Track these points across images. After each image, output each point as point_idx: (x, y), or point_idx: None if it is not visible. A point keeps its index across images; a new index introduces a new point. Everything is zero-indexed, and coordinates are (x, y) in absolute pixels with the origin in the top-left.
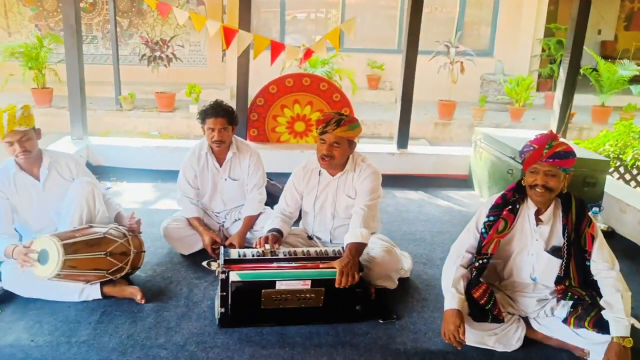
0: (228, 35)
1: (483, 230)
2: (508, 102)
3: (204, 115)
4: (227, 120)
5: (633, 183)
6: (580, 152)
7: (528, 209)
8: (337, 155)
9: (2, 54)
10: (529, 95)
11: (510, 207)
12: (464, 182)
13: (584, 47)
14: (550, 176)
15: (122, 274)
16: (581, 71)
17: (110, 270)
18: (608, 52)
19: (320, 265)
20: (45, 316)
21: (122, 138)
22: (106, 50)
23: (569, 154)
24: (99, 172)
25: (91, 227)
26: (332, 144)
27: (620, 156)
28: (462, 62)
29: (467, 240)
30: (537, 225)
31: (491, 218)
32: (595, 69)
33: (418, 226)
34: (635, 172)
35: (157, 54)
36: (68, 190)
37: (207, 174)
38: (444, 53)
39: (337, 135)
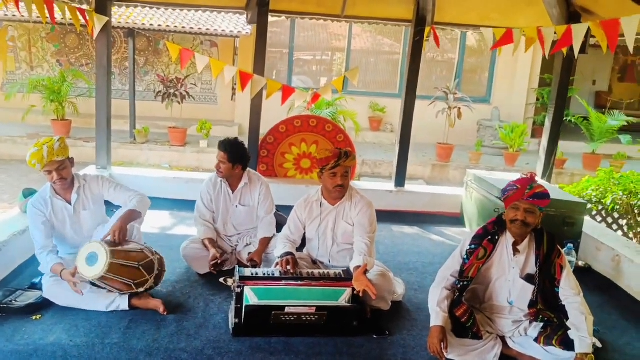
0: (244, 79)
1: (465, 256)
2: (503, 147)
3: (218, 147)
4: (228, 157)
5: (615, 226)
6: (563, 195)
7: (506, 240)
8: (346, 184)
9: (26, 87)
10: (523, 141)
11: (490, 237)
12: (456, 219)
13: (578, 97)
14: (529, 213)
15: (147, 286)
16: (573, 120)
17: (137, 281)
18: (602, 102)
19: (325, 285)
20: (81, 321)
21: (141, 169)
22: (122, 85)
23: (545, 195)
24: None
25: (128, 241)
26: (343, 175)
27: (602, 200)
28: (459, 108)
29: (452, 266)
30: (514, 255)
31: (472, 246)
32: (586, 118)
33: (411, 257)
34: (616, 215)
35: (172, 91)
36: (113, 217)
37: (220, 199)
38: (442, 99)
39: (346, 165)
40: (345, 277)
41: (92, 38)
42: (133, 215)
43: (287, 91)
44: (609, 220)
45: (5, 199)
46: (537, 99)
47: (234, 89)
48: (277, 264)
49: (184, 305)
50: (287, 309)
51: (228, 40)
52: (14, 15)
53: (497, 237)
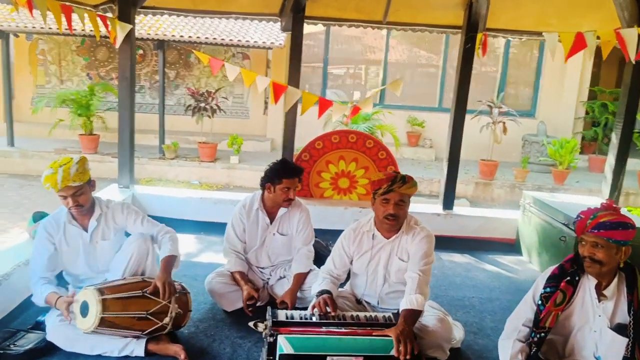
0: (277, 90)
1: (539, 302)
2: (551, 164)
3: (282, 174)
4: (299, 179)
5: None
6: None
7: (589, 281)
8: (401, 215)
9: (54, 101)
10: (573, 158)
11: (568, 278)
12: (510, 246)
13: None
14: (597, 248)
15: (164, 332)
16: None
17: (148, 331)
18: None
19: (374, 333)
20: None
21: (166, 188)
22: (152, 99)
23: (617, 224)
24: None
25: (144, 280)
26: (397, 203)
27: None
28: (504, 123)
29: (524, 313)
30: (600, 300)
31: (548, 290)
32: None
33: (466, 292)
34: None
35: (203, 105)
36: (124, 243)
37: (256, 229)
38: (486, 112)
39: (403, 192)
40: (397, 323)
41: (115, 48)
42: (173, 261)
43: (323, 104)
44: None
45: (28, 217)
46: (587, 113)
47: (266, 102)
48: (314, 306)
49: (207, 351)
50: (328, 359)
51: (260, 53)
52: (42, 28)
53: (577, 278)
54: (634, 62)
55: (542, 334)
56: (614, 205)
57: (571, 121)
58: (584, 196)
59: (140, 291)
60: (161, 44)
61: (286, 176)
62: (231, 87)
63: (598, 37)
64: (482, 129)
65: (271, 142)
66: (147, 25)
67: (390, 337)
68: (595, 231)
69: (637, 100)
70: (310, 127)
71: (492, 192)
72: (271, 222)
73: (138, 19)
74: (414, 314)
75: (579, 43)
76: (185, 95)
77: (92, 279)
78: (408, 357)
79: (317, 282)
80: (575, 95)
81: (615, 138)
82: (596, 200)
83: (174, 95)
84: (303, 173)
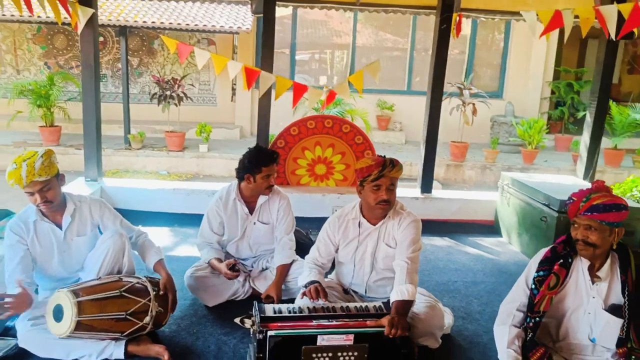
0: (250, 76)
1: (533, 286)
2: (520, 144)
3: (260, 163)
4: (277, 164)
5: None
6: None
7: (581, 263)
8: (392, 199)
9: (11, 92)
10: (542, 137)
11: (561, 261)
12: (490, 227)
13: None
14: (590, 230)
15: (144, 332)
16: None
17: (128, 332)
18: (613, 95)
19: (368, 323)
20: None
21: (136, 180)
22: (115, 88)
23: (610, 207)
24: None
25: (121, 279)
26: (388, 188)
27: None
28: (474, 104)
29: (518, 297)
30: (594, 282)
31: (541, 273)
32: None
33: (450, 276)
34: None
35: (168, 92)
36: (97, 241)
37: (235, 220)
38: (456, 95)
39: (393, 177)
40: (388, 313)
41: (77, 34)
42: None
43: (298, 89)
44: None
45: None
46: (553, 93)
47: (233, 89)
48: (303, 294)
49: (191, 350)
50: (319, 341)
51: (226, 38)
52: None
53: (570, 260)
54: (614, 39)
55: (537, 319)
56: (606, 185)
57: (537, 101)
58: (562, 175)
59: (117, 291)
60: (123, 30)
61: (265, 164)
62: (197, 74)
63: (576, 16)
64: (452, 111)
65: (240, 130)
66: (107, 10)
67: (384, 327)
68: (589, 214)
69: (611, 78)
70: (280, 115)
71: (463, 173)
72: (251, 212)
73: (98, 3)
74: (406, 305)
75: (556, 21)
76: (150, 83)
77: (65, 279)
78: (397, 335)
79: (304, 273)
80: (541, 76)
81: (589, 116)
82: (573, 180)
83: (137, 83)
84: (279, 157)
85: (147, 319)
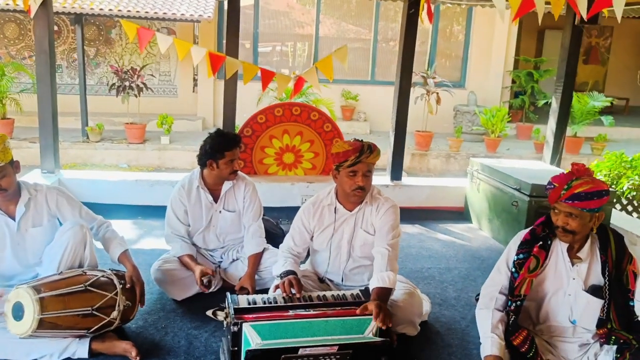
0: (214, 62)
1: (513, 269)
2: (482, 133)
3: (223, 147)
4: (240, 148)
5: (635, 214)
6: None
7: (560, 245)
8: (368, 186)
9: None
10: (504, 126)
11: (540, 243)
12: (460, 214)
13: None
14: (571, 217)
15: (112, 328)
16: (550, 102)
17: (94, 328)
18: None
19: (357, 312)
20: None
21: (96, 171)
22: (71, 79)
23: (592, 194)
24: None
25: (85, 273)
26: (365, 174)
27: (612, 187)
28: (438, 93)
29: (499, 280)
30: (573, 264)
31: (521, 256)
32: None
33: (423, 263)
34: (636, 203)
35: (127, 83)
36: (56, 233)
37: (199, 209)
38: (420, 84)
39: (370, 162)
40: (366, 300)
41: (30, 21)
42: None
43: (266, 76)
44: (629, 208)
45: None
46: (513, 82)
47: (195, 79)
48: (277, 286)
49: (160, 346)
50: (301, 351)
51: (187, 27)
52: None
53: (549, 242)
54: (586, 20)
55: (518, 302)
56: (586, 168)
57: (499, 90)
58: (530, 161)
59: (82, 285)
60: (78, 18)
61: (227, 148)
62: (157, 65)
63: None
64: (417, 100)
65: (202, 121)
66: None
67: (364, 316)
68: (570, 202)
69: (576, 63)
70: (244, 106)
71: (428, 162)
72: (215, 200)
73: None
74: (386, 292)
75: (526, 4)
76: (108, 74)
77: (20, 275)
78: (388, 325)
79: (279, 263)
80: (502, 65)
81: (555, 102)
82: (541, 165)
83: (95, 74)
84: (242, 140)
85: (115, 313)
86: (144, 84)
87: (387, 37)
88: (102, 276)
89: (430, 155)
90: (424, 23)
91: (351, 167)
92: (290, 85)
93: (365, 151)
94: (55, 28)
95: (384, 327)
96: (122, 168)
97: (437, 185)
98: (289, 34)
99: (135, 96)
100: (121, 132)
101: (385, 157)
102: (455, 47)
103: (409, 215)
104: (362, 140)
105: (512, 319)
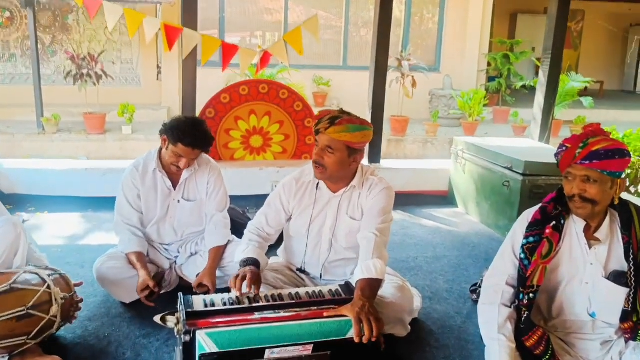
0: (171, 35)
1: (522, 256)
2: (459, 117)
3: (180, 136)
4: (201, 152)
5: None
6: None
7: (575, 224)
8: (328, 164)
9: None
10: (482, 109)
11: (554, 223)
12: (443, 198)
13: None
14: (589, 183)
15: (53, 330)
16: (528, 84)
17: (35, 332)
18: None
19: (324, 314)
20: None
21: (42, 160)
22: (26, 69)
23: (613, 152)
24: (14, 201)
25: (2, 273)
26: (324, 149)
27: None
28: (413, 77)
29: (505, 269)
30: (590, 246)
31: (531, 239)
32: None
33: (409, 252)
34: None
35: (85, 71)
36: None
37: (154, 195)
38: (394, 67)
39: (331, 137)
40: (347, 298)
41: None
42: None
43: (228, 50)
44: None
45: None
46: (489, 64)
47: (159, 67)
48: (231, 285)
49: (101, 358)
50: (268, 354)
51: (149, 11)
52: None
53: (562, 221)
54: None
55: (532, 294)
56: (602, 128)
57: (475, 74)
58: (518, 139)
59: (6, 285)
60: (29, 1)
61: (184, 142)
62: (118, 52)
63: None
64: (392, 84)
65: (168, 110)
66: None
67: (347, 317)
68: (587, 162)
69: (564, 33)
70: (210, 92)
71: (404, 148)
72: (174, 187)
73: None
74: (373, 284)
75: None
76: (65, 62)
77: None
78: (373, 339)
79: (241, 246)
80: (477, 48)
81: (542, 75)
82: (530, 142)
83: (51, 63)
84: (210, 145)
85: (54, 309)
86: (103, 71)
87: (359, 25)
88: (25, 272)
89: (406, 140)
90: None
91: (316, 136)
92: (256, 60)
93: (323, 120)
94: (8, 14)
95: (372, 339)
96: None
97: (418, 168)
98: (258, 21)
99: (94, 84)
100: (80, 123)
101: None
102: (429, 30)
103: None
104: (340, 109)
105: (525, 315)
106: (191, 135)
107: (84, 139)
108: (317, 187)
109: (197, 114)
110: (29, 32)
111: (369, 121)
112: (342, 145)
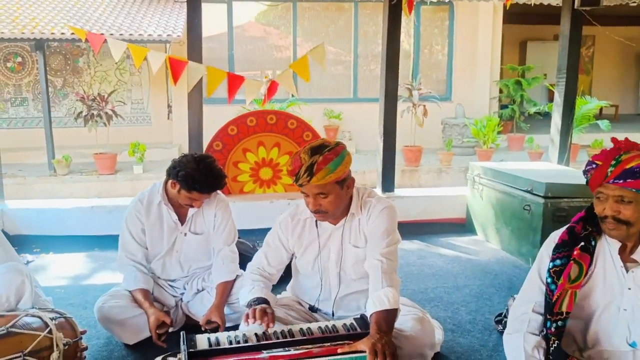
0: (176, 68)
1: (549, 280)
2: (474, 145)
3: (193, 187)
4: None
5: None
6: None
7: (608, 245)
8: (328, 207)
9: None
10: (496, 136)
11: (582, 244)
12: (461, 226)
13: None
14: (624, 203)
15: None
16: (542, 110)
17: None
18: (554, 95)
19: (339, 351)
20: None
21: (47, 200)
22: (38, 112)
23: None
24: (18, 242)
25: (2, 316)
26: (316, 197)
27: None
28: (424, 105)
29: (532, 296)
30: (628, 269)
31: (558, 262)
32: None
33: (427, 282)
34: None
35: (95, 111)
36: None
37: (159, 229)
38: (405, 97)
39: (318, 184)
40: (363, 332)
41: None
42: None
43: (234, 81)
44: None
45: None
46: (501, 91)
47: (169, 106)
48: (247, 316)
49: None
50: None
51: (157, 49)
52: None
53: (593, 243)
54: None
55: (560, 322)
56: (634, 142)
57: (487, 101)
58: (536, 162)
59: (3, 328)
60: (40, 44)
61: (200, 190)
62: (128, 92)
63: None
64: (403, 114)
65: (179, 148)
66: (21, 24)
67: (362, 352)
68: (621, 181)
69: (579, 51)
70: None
71: (419, 178)
72: (181, 221)
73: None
74: (388, 316)
75: None
76: (76, 104)
77: None
78: None
79: (245, 288)
80: (488, 75)
81: (558, 96)
82: (549, 165)
83: (62, 105)
84: (224, 185)
85: (55, 355)
86: (113, 111)
87: (368, 59)
88: (26, 315)
89: (421, 170)
90: (408, 16)
91: (300, 187)
92: (263, 90)
93: (302, 175)
94: (19, 59)
95: None
96: None
97: (434, 195)
98: (267, 58)
99: (105, 125)
100: (91, 164)
101: (375, 173)
102: (439, 61)
103: (406, 229)
104: (315, 151)
105: (555, 345)
106: (206, 183)
107: (95, 179)
108: (316, 224)
109: (204, 147)
110: (40, 76)
111: (381, 151)
112: (331, 185)
